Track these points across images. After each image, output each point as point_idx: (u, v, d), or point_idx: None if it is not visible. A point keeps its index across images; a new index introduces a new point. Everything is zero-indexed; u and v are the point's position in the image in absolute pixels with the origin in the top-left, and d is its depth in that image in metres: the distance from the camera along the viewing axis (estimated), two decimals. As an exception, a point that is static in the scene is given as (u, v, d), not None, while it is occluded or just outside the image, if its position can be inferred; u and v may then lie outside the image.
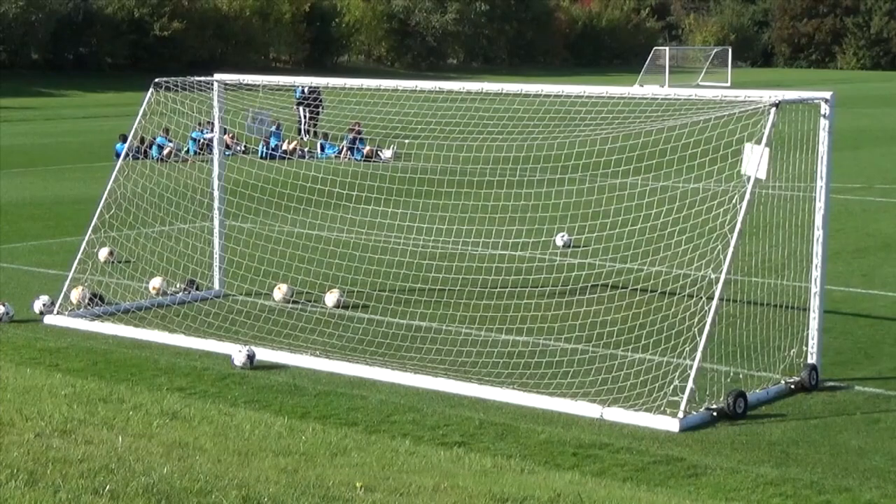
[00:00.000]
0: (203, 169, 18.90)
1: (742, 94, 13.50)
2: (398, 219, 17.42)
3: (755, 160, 12.35)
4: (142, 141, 29.13)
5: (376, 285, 16.56)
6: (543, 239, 19.52)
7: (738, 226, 12.24)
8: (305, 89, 33.50)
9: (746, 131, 13.36)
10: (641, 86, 58.44)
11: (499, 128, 18.43)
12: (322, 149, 33.84)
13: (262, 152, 27.85)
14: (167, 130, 28.48)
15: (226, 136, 21.12)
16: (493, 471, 10.08)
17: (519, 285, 16.45)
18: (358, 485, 8.97)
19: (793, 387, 12.79)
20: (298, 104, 35.39)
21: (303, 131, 36.69)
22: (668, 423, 11.52)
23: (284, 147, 32.63)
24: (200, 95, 17.55)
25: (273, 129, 33.17)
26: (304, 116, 36.21)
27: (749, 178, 12.46)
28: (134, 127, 17.29)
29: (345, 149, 33.25)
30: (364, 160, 31.99)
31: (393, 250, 17.08)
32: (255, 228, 18.93)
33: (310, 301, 16.19)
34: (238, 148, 28.89)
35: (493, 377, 12.87)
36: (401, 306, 15.95)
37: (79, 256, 16.39)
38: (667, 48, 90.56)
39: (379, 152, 32.86)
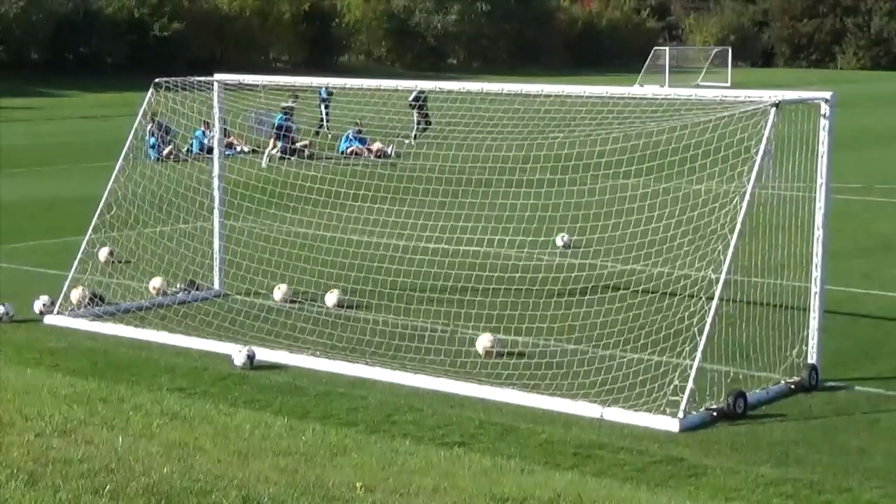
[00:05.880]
0: (203, 169, 18.89)
1: (742, 94, 13.50)
2: (398, 218, 17.41)
3: None
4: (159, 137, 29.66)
5: (376, 285, 16.56)
6: (543, 238, 19.51)
7: (739, 226, 12.24)
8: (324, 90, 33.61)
9: (747, 132, 13.36)
10: (641, 86, 58.48)
11: (499, 128, 18.39)
12: (343, 140, 34.11)
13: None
14: (207, 125, 28.20)
15: (231, 137, 21.10)
16: (493, 471, 10.08)
17: (519, 285, 16.45)
18: (358, 485, 8.98)
19: (793, 387, 12.79)
20: (322, 102, 35.42)
21: (323, 130, 36.78)
22: (668, 423, 11.52)
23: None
24: (201, 95, 17.54)
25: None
26: (326, 116, 36.27)
27: None
28: (134, 127, 17.27)
29: (353, 147, 33.42)
30: (375, 157, 32.11)
31: (393, 250, 17.08)
32: (255, 228, 18.92)
33: (309, 301, 16.18)
34: (239, 149, 28.87)
35: (493, 377, 12.87)
36: (401, 306, 15.94)
37: (79, 256, 16.39)
38: (667, 48, 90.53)
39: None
